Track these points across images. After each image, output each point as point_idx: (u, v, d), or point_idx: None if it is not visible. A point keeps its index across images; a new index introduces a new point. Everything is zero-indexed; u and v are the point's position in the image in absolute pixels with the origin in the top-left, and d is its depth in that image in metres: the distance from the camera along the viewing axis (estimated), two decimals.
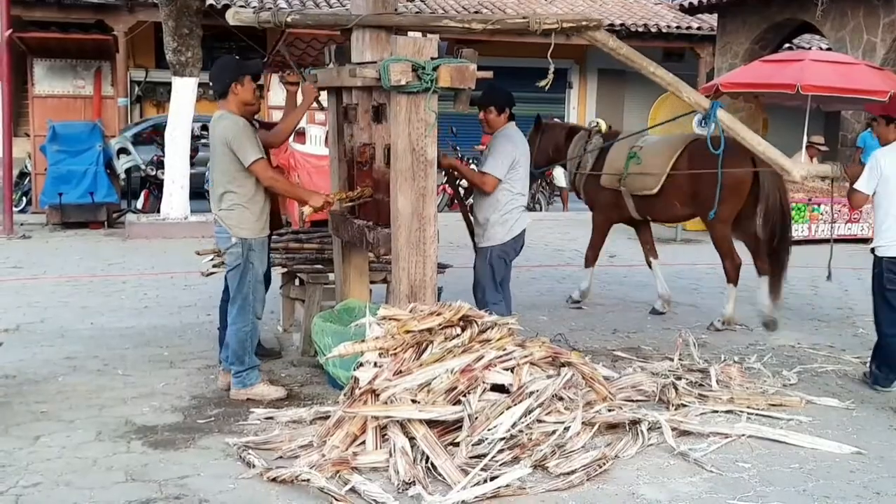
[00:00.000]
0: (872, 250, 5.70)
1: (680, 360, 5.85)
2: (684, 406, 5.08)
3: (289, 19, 4.87)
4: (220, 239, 5.23)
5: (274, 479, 4.01)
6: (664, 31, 20.43)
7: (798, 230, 11.68)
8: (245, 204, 5.11)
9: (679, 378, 5.45)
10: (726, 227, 7.14)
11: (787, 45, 18.08)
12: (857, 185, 5.71)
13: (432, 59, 4.75)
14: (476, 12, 19.60)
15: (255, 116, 5.84)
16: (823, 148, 13.35)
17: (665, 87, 5.42)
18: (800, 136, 12.54)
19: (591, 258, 7.86)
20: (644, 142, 7.49)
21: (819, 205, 11.80)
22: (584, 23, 5.05)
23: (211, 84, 5.22)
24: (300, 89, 5.67)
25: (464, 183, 7.49)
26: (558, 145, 7.92)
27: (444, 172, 6.18)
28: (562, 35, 4.97)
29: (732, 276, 7.19)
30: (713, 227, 7.15)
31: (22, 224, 11.49)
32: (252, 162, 5.00)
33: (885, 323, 5.68)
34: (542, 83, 5.03)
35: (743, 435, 4.72)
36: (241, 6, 17.47)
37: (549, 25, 4.96)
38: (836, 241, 11.62)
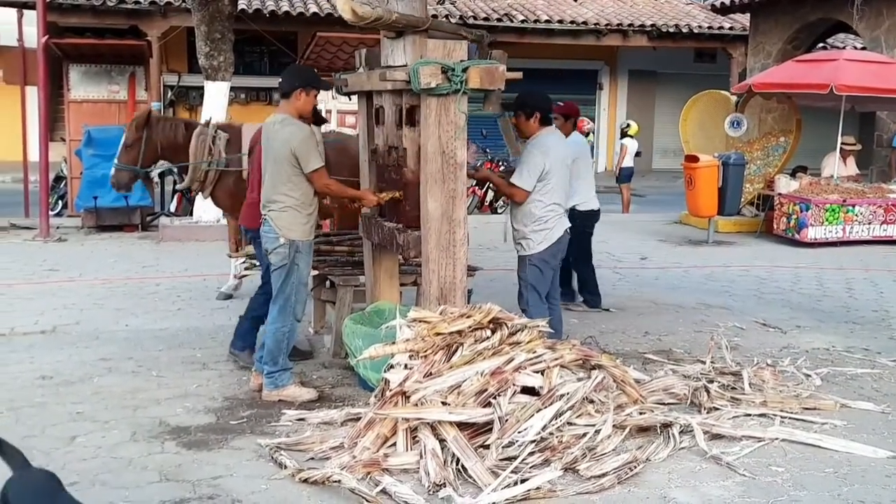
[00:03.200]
0: (573, 208, 6.77)
1: (712, 362, 5.80)
2: (716, 409, 5.04)
3: (393, 17, 4.92)
4: (268, 239, 5.27)
5: (305, 480, 4.04)
6: (696, 31, 20.30)
7: (832, 231, 11.50)
8: (297, 207, 5.17)
9: (711, 381, 5.40)
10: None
11: (820, 44, 17.87)
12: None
13: (461, 61, 4.77)
14: (505, 14, 19.63)
15: None
16: (856, 148, 13.18)
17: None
18: (834, 136, 12.39)
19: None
20: None
21: (853, 206, 11.60)
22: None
23: (280, 82, 5.28)
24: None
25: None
26: (173, 143, 7.54)
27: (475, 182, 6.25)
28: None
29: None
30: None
31: (58, 227, 11.63)
32: (314, 170, 5.10)
33: (579, 261, 7.54)
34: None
35: (776, 438, 4.67)
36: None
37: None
38: (871, 242, 11.53)
